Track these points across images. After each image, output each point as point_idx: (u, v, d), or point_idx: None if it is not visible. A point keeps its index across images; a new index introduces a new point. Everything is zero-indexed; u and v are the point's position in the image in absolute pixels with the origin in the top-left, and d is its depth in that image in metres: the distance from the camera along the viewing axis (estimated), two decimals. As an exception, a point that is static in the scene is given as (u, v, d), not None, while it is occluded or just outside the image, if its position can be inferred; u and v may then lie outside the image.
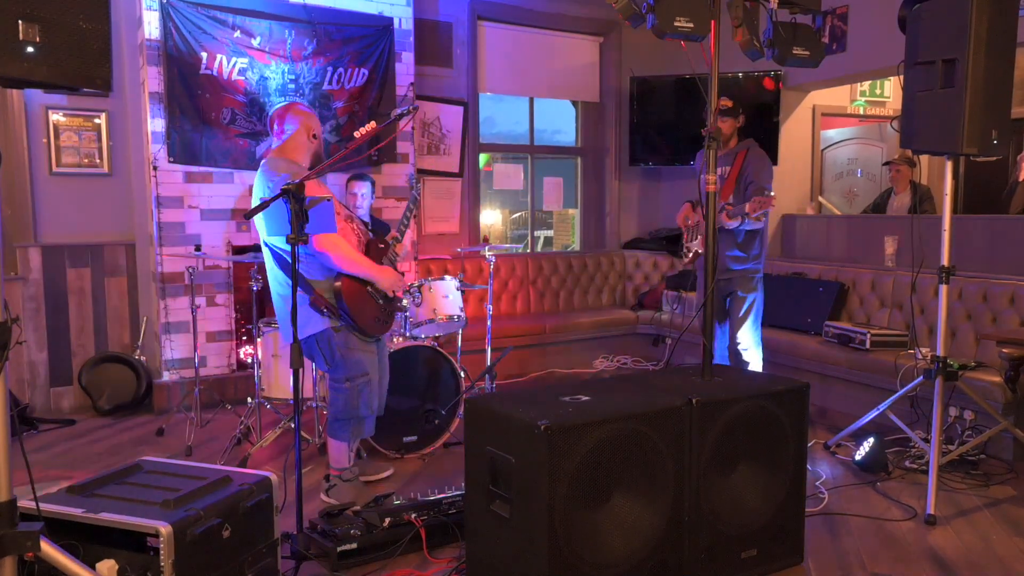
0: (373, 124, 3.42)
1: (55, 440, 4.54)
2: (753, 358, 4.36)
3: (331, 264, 3.31)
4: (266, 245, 3.40)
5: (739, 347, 4.37)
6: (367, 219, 4.78)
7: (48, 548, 1.95)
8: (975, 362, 4.26)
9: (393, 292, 3.54)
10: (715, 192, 3.03)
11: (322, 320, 3.37)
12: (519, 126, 7.51)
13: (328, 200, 3.09)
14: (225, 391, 5.13)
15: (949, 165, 3.54)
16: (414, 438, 4.12)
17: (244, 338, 5.29)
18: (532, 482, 2.36)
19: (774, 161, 6.20)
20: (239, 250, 5.18)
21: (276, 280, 3.44)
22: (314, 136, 3.49)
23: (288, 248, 3.27)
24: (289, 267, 3.31)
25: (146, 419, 4.94)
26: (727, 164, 4.33)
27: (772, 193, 3.95)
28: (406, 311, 4.28)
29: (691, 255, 4.43)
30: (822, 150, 7.38)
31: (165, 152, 4.96)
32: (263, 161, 3.45)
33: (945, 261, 3.54)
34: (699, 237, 4.35)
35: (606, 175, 7.42)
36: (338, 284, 3.34)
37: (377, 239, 3.65)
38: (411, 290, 4.31)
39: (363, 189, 4.72)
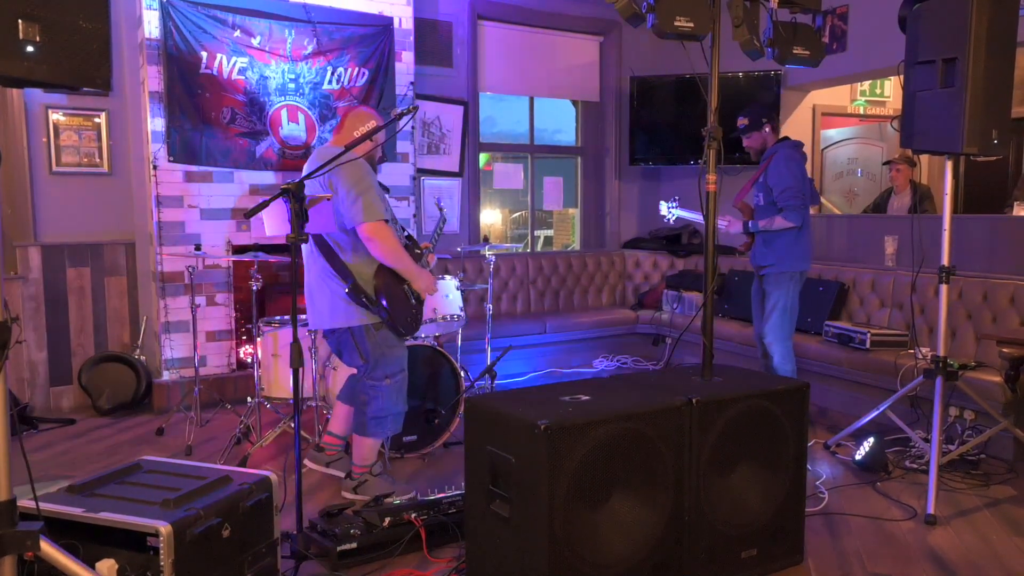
0: (373, 123, 3.43)
1: (55, 440, 4.54)
2: (776, 354, 4.36)
3: (377, 253, 3.30)
4: (324, 235, 3.39)
5: (764, 340, 4.40)
6: None
7: (48, 548, 1.95)
8: (975, 362, 4.26)
9: (426, 295, 3.55)
10: (715, 192, 3.03)
11: (362, 313, 3.36)
12: (519, 126, 7.51)
13: (328, 199, 3.09)
14: (225, 391, 5.13)
15: (949, 165, 3.54)
16: (414, 437, 4.12)
17: (244, 338, 5.29)
18: (532, 482, 2.36)
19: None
20: (239, 249, 5.18)
21: (321, 268, 3.43)
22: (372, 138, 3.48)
23: (341, 237, 3.31)
24: (334, 258, 3.35)
25: (146, 419, 4.94)
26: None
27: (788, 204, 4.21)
28: None
29: (742, 246, 4.57)
30: (822, 150, 7.38)
31: (165, 151, 4.96)
32: (318, 148, 3.49)
33: (945, 261, 3.54)
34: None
35: (606, 175, 7.42)
36: (377, 281, 3.35)
37: (412, 244, 3.69)
38: None
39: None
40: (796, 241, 4.29)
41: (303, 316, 3.69)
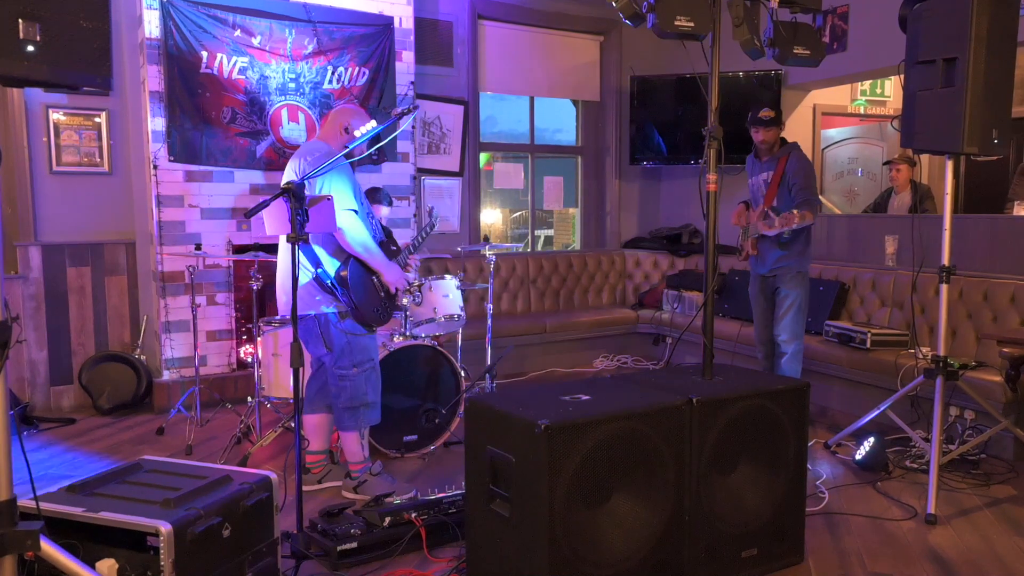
0: (373, 123, 3.43)
1: (55, 439, 4.55)
2: (790, 351, 4.39)
3: (343, 241, 3.37)
4: None
5: (780, 339, 4.41)
6: None
7: (48, 547, 1.95)
8: (975, 361, 4.26)
9: (396, 289, 3.60)
10: (715, 192, 3.03)
11: (327, 301, 3.41)
12: (520, 125, 7.51)
13: (328, 199, 3.10)
14: (225, 390, 5.13)
15: (949, 164, 3.54)
16: (414, 437, 4.12)
17: (244, 337, 5.29)
18: (532, 481, 2.36)
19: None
20: (239, 249, 5.18)
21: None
22: (345, 129, 3.56)
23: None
24: (306, 246, 3.39)
25: (146, 418, 4.94)
26: (770, 169, 4.41)
27: (817, 202, 4.23)
28: (404, 309, 4.29)
29: (743, 254, 4.54)
30: (823, 149, 7.38)
31: (165, 151, 4.96)
32: (303, 143, 3.59)
33: (945, 260, 3.53)
34: (750, 239, 4.47)
35: (606, 174, 7.42)
36: (344, 272, 3.40)
37: (388, 241, 3.73)
38: (412, 290, 4.32)
39: (383, 211, 4.75)
40: (809, 241, 4.40)
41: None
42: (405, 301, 4.28)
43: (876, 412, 4.04)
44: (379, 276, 3.54)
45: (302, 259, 3.44)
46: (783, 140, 4.45)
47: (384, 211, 4.76)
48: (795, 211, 4.03)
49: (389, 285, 3.58)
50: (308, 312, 3.44)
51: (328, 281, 3.38)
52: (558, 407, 2.47)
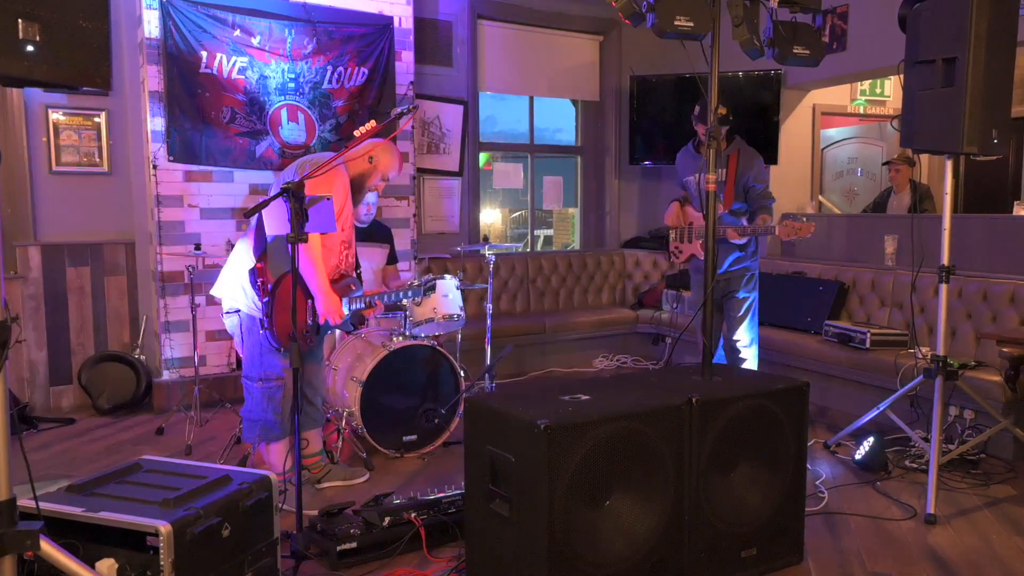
0: (373, 123, 3.43)
1: (55, 439, 4.54)
2: (750, 355, 4.39)
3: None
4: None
5: (737, 344, 4.39)
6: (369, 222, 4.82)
7: (48, 547, 1.94)
8: (975, 361, 4.26)
9: (325, 320, 3.42)
10: (715, 192, 3.03)
11: (251, 301, 3.35)
12: (519, 125, 7.51)
13: (328, 199, 3.09)
14: (225, 390, 5.12)
15: (949, 164, 3.54)
16: (414, 437, 4.12)
17: (244, 337, 5.28)
18: (532, 481, 2.36)
19: (773, 160, 6.21)
20: (239, 249, 5.17)
21: (247, 246, 3.46)
22: (370, 159, 3.50)
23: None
24: (262, 241, 3.35)
25: (146, 418, 4.94)
26: (720, 167, 4.30)
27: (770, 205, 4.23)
28: (404, 309, 4.28)
29: (684, 256, 4.47)
30: (822, 149, 7.38)
31: (165, 151, 4.95)
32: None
33: (945, 260, 3.53)
34: (696, 241, 4.38)
35: (606, 174, 7.42)
36: (283, 278, 3.30)
37: (351, 281, 3.60)
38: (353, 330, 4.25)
39: (373, 197, 4.72)
40: (763, 239, 4.39)
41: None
42: (405, 302, 4.26)
43: (876, 412, 4.04)
44: (314, 301, 3.38)
45: (248, 250, 3.40)
46: (729, 134, 4.34)
47: (374, 196, 4.73)
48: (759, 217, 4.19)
49: (320, 315, 3.39)
50: (232, 302, 3.42)
51: (262, 279, 3.30)
52: (558, 407, 2.47)
